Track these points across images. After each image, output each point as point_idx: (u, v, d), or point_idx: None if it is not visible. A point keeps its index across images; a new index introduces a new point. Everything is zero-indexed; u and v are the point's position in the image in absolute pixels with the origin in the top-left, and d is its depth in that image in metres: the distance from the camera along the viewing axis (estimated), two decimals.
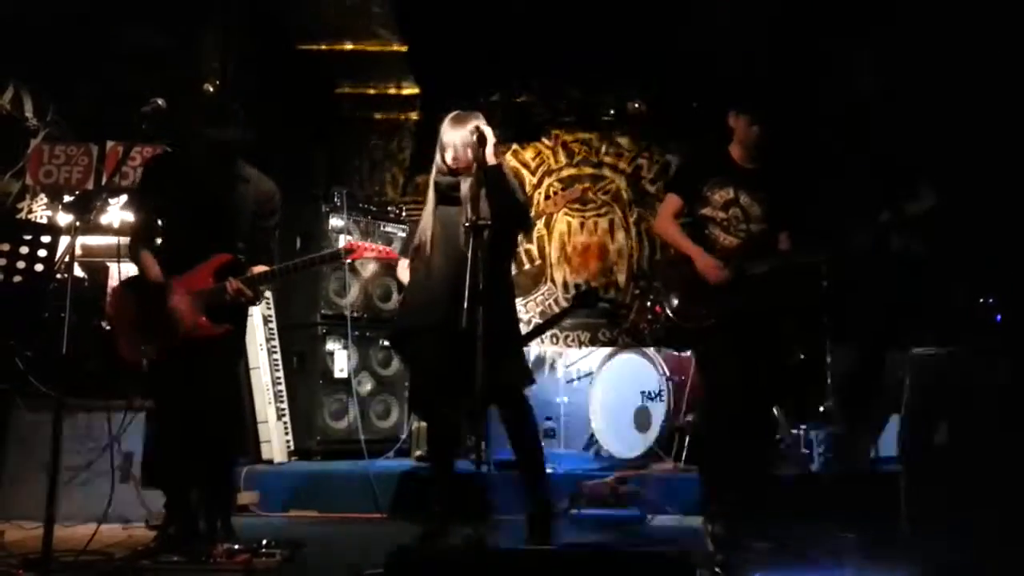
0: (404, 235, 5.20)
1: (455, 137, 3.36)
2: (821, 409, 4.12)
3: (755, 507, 3.28)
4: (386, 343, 5.21)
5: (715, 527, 3.17)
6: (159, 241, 3.34)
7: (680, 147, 6.29)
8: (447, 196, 3.44)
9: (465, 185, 3.35)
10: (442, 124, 3.44)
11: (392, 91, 6.50)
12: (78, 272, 4.44)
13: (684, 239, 3.51)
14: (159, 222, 3.35)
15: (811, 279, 3.80)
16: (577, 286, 6.23)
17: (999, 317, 3.27)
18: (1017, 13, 3.92)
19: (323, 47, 5.84)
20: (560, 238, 6.69)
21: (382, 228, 5.41)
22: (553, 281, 6.65)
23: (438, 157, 3.45)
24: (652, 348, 4.91)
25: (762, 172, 3.50)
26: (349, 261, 4.87)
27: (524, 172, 6.69)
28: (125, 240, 3.47)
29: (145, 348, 3.18)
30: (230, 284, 3.13)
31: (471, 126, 3.31)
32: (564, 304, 6.48)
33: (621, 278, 6.54)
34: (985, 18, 4.16)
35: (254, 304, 3.34)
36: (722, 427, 3.41)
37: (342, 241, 4.88)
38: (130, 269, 3.36)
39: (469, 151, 3.31)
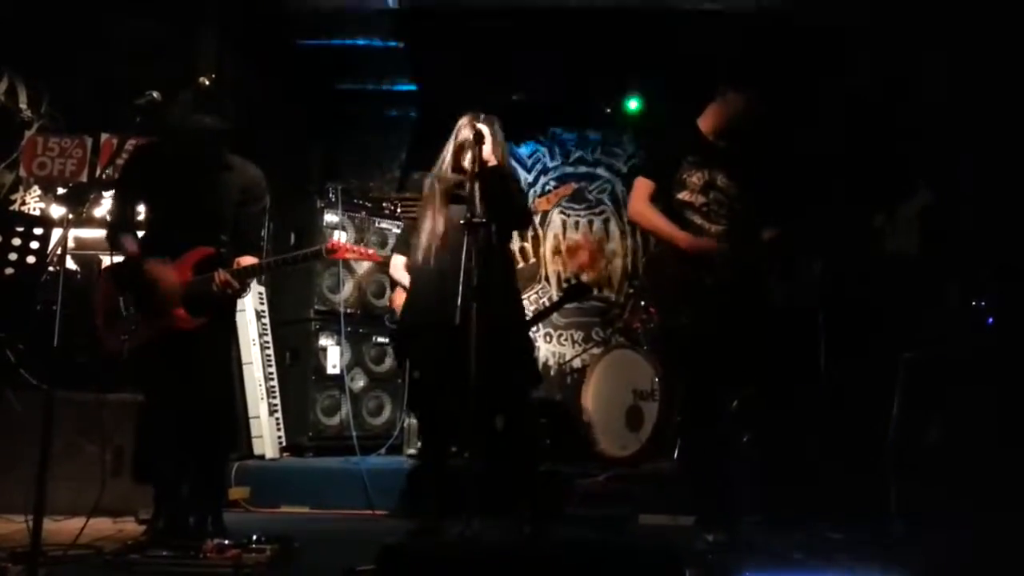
0: (399, 232, 5.18)
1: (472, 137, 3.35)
2: None
3: (746, 506, 3.28)
4: (380, 340, 5.22)
5: (706, 526, 3.18)
6: (143, 233, 3.32)
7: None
8: (453, 195, 3.43)
9: (470, 184, 3.35)
10: (459, 124, 3.44)
11: (389, 87, 6.48)
12: (70, 265, 4.43)
13: (664, 221, 3.31)
14: (137, 212, 3.33)
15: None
16: (567, 280, 6.19)
17: (991, 320, 3.27)
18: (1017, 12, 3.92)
19: (321, 42, 5.81)
20: (555, 237, 6.70)
21: (377, 225, 5.39)
22: (547, 280, 6.65)
23: (449, 156, 3.44)
24: (645, 347, 4.92)
25: (733, 149, 3.37)
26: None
27: (520, 170, 6.69)
28: None
29: (124, 338, 3.15)
30: (218, 275, 3.12)
31: (486, 126, 3.32)
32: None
33: (615, 277, 6.56)
34: (985, 15, 4.16)
35: (240, 296, 3.31)
36: (714, 424, 3.40)
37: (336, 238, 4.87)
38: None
39: (478, 151, 3.31)
